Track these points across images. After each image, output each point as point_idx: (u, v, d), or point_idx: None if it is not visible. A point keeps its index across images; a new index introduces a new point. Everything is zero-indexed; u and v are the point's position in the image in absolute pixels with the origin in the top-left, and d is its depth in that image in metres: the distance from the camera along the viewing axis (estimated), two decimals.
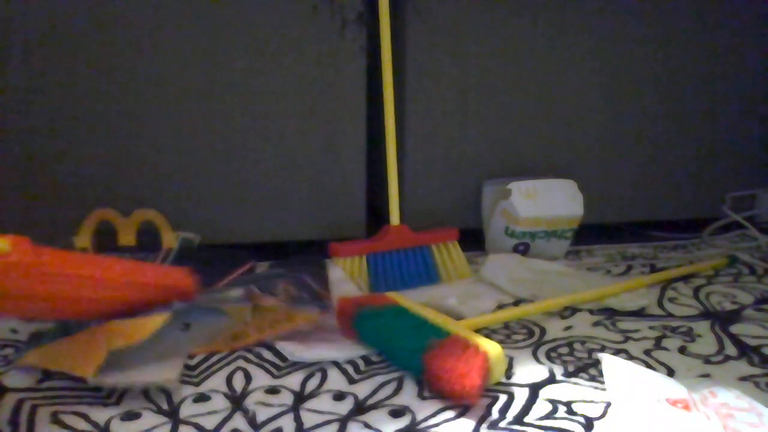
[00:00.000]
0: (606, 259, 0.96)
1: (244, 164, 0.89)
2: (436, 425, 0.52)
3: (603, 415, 0.53)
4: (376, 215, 1.00)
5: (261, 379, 0.59)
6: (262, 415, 0.53)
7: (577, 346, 0.66)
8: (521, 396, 0.56)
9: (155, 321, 0.60)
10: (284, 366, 0.62)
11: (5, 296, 0.53)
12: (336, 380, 0.59)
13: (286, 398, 0.56)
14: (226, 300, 0.69)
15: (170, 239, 0.78)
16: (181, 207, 0.88)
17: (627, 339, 0.68)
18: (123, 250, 0.79)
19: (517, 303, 0.78)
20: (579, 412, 0.53)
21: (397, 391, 0.57)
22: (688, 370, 0.61)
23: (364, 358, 0.63)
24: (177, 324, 0.65)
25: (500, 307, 0.77)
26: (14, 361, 0.61)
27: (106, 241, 0.81)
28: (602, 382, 0.57)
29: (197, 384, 0.58)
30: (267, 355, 0.64)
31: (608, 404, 0.54)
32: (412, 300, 0.68)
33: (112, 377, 0.56)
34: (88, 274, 0.58)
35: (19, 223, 0.82)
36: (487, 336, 0.65)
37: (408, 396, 0.56)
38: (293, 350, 0.63)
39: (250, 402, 0.55)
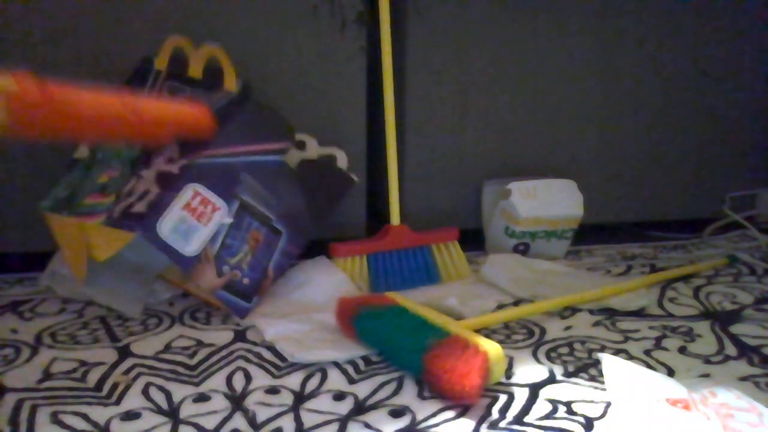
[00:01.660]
0: (606, 259, 0.96)
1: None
2: (436, 425, 0.52)
3: (603, 415, 0.53)
4: (376, 215, 1.00)
5: (261, 379, 0.59)
6: (262, 415, 0.53)
7: (577, 346, 0.66)
8: (521, 396, 0.56)
9: (125, 237, 0.64)
10: (284, 366, 0.62)
11: (17, 130, 0.53)
12: (336, 380, 0.59)
13: (286, 398, 0.56)
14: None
15: (231, 81, 0.75)
16: None
17: (627, 339, 0.68)
18: (185, 82, 0.77)
19: (517, 303, 0.78)
20: (579, 412, 0.53)
21: (397, 391, 0.57)
22: (688, 370, 0.61)
23: (364, 358, 0.63)
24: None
25: (500, 307, 0.77)
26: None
27: (178, 68, 0.80)
28: (602, 382, 0.57)
29: (197, 384, 0.58)
30: (267, 355, 0.64)
31: (608, 404, 0.54)
32: (412, 300, 0.69)
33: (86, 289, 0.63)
34: (94, 111, 0.58)
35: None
36: (487, 336, 0.65)
37: (408, 396, 0.56)
38: (293, 352, 0.63)
39: (250, 402, 0.55)
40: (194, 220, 0.68)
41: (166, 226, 0.67)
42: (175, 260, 0.67)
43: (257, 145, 0.74)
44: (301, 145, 0.85)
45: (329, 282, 0.79)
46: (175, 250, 0.67)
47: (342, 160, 0.86)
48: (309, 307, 0.75)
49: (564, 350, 0.65)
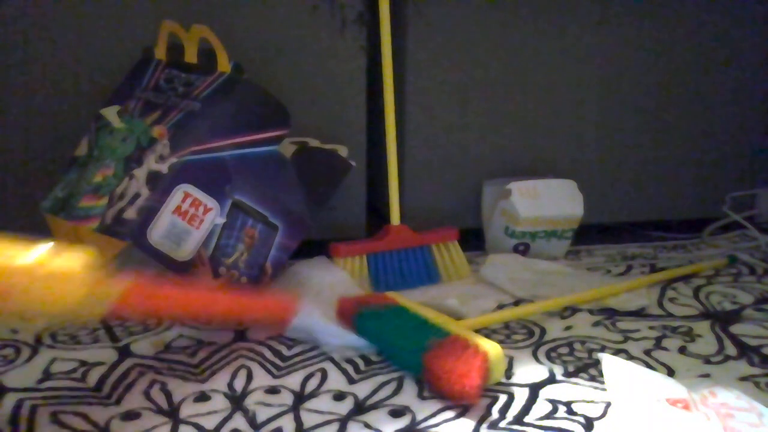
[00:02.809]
0: (606, 259, 0.96)
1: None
2: (436, 425, 0.52)
3: (603, 415, 0.53)
4: (376, 215, 1.00)
5: (261, 379, 0.59)
6: (262, 415, 0.53)
7: (577, 346, 0.66)
8: (521, 396, 0.56)
9: (117, 244, 0.68)
10: (284, 366, 0.62)
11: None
12: (336, 380, 0.59)
13: (286, 398, 0.56)
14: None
15: (224, 62, 0.74)
16: None
17: (627, 339, 0.68)
18: (183, 68, 0.76)
19: (517, 303, 0.78)
20: (579, 412, 0.53)
21: (397, 391, 0.57)
22: (688, 370, 0.61)
23: (364, 357, 0.63)
24: None
25: (500, 307, 0.77)
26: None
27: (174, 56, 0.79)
28: (602, 382, 0.57)
29: (198, 383, 0.58)
30: (268, 354, 0.64)
31: (608, 404, 0.54)
32: (412, 300, 0.69)
33: None
34: (179, 308, 0.62)
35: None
36: (487, 336, 0.65)
37: (408, 396, 0.56)
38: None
39: (250, 402, 0.55)
40: (186, 224, 0.68)
41: (157, 233, 0.66)
42: (168, 267, 0.67)
43: (250, 135, 0.72)
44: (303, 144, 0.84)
45: (331, 279, 0.78)
46: (167, 257, 0.67)
47: (343, 152, 0.84)
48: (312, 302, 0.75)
49: (564, 350, 0.65)
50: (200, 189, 0.68)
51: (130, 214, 0.66)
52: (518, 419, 0.52)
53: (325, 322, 0.66)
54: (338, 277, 0.78)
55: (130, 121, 0.73)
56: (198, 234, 0.68)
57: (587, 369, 0.61)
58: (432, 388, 0.57)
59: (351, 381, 0.59)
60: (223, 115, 0.70)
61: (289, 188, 0.76)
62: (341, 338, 0.64)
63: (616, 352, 0.64)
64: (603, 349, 0.65)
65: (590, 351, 0.65)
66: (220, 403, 0.55)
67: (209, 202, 0.69)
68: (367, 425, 0.52)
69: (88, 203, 0.69)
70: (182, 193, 0.67)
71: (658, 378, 0.55)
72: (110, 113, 0.75)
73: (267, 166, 0.73)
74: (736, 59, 1.04)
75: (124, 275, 0.54)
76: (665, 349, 0.66)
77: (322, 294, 0.76)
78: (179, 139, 0.68)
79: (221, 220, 0.70)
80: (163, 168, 0.67)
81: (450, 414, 0.53)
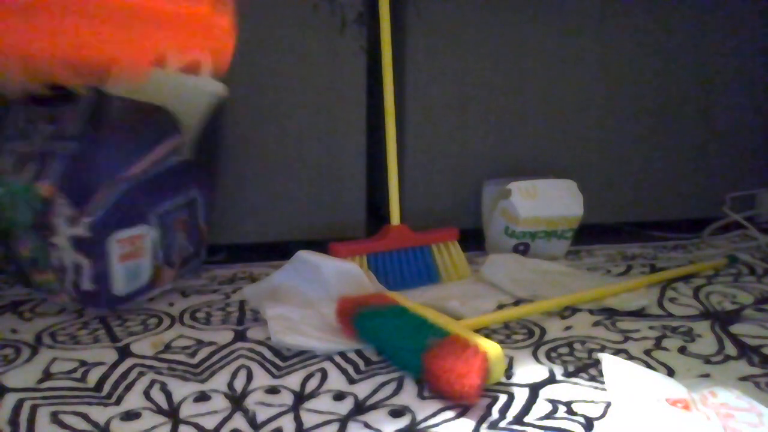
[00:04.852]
0: (606, 259, 0.96)
1: (244, 165, 0.89)
2: (436, 425, 0.52)
3: (603, 415, 0.53)
4: (376, 215, 1.00)
5: (261, 379, 0.59)
6: (262, 415, 0.53)
7: (577, 346, 0.66)
8: (521, 396, 0.56)
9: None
10: (284, 366, 0.62)
11: None
12: (336, 380, 0.59)
13: (286, 398, 0.56)
14: None
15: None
16: None
17: (627, 339, 0.68)
18: (40, 102, 0.67)
19: (517, 303, 0.78)
20: (579, 412, 0.53)
21: (397, 391, 0.57)
22: (688, 370, 0.61)
23: (364, 357, 0.63)
24: None
25: (500, 307, 0.77)
26: None
27: None
28: (602, 382, 0.57)
29: (198, 383, 0.58)
30: (268, 354, 0.64)
31: (608, 404, 0.54)
32: (413, 300, 0.69)
33: None
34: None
35: None
36: (487, 336, 0.65)
37: (408, 396, 0.56)
38: (277, 332, 0.65)
39: (250, 402, 0.55)
40: (134, 261, 0.69)
41: (120, 286, 0.68)
42: (143, 291, 0.71)
43: (148, 158, 0.69)
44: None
45: (341, 267, 0.78)
46: (139, 292, 0.70)
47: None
48: (318, 298, 0.76)
49: (564, 350, 0.65)
50: (128, 228, 0.67)
51: (87, 285, 0.66)
52: (518, 419, 0.52)
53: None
54: (348, 266, 0.78)
55: (7, 183, 0.66)
56: (148, 258, 0.70)
57: (587, 369, 0.61)
58: (432, 388, 0.57)
59: (351, 381, 0.59)
60: (113, 147, 0.66)
61: (190, 165, 0.74)
62: (326, 344, 0.65)
63: (616, 352, 0.64)
64: (603, 349, 0.65)
65: (590, 351, 0.65)
66: (220, 403, 0.55)
67: (141, 230, 0.69)
68: (367, 425, 0.52)
69: (43, 278, 0.68)
70: (116, 244, 0.67)
71: (658, 378, 0.55)
72: None
73: (174, 172, 0.72)
74: (736, 60, 1.04)
75: None
76: (665, 349, 0.66)
77: (330, 283, 0.76)
78: (74, 191, 0.64)
79: (156, 234, 0.70)
80: (83, 231, 0.64)
81: (450, 414, 0.53)
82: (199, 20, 0.52)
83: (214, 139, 0.79)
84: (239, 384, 0.58)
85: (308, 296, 0.76)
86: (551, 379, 0.59)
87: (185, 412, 0.53)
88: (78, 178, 0.64)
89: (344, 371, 0.61)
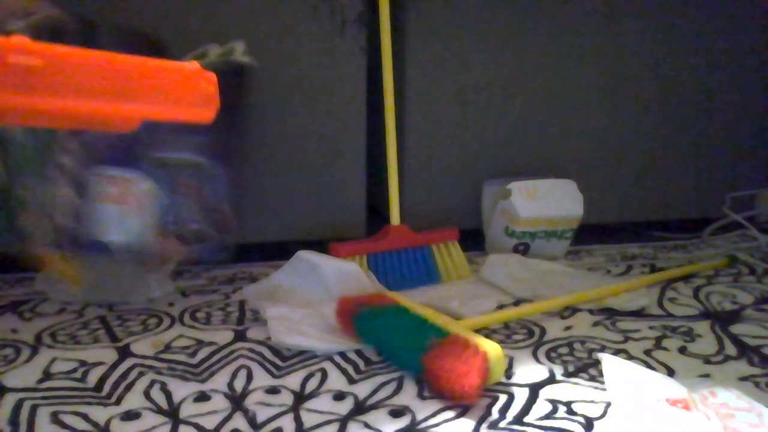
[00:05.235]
0: (606, 259, 0.96)
1: (244, 164, 0.89)
2: (436, 425, 0.52)
3: (603, 415, 0.53)
4: (376, 215, 1.00)
5: (261, 379, 0.59)
6: (262, 415, 0.53)
7: (577, 346, 0.66)
8: (521, 396, 0.56)
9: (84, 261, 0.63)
10: (284, 366, 0.62)
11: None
12: (336, 380, 0.59)
13: (286, 398, 0.56)
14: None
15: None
16: None
17: (627, 339, 0.68)
18: None
19: (517, 303, 0.78)
20: (579, 412, 0.53)
21: (397, 391, 0.57)
22: (688, 370, 0.61)
23: (364, 357, 0.63)
24: None
25: (500, 307, 0.77)
26: None
27: None
28: (602, 382, 0.57)
29: (198, 383, 0.58)
30: (268, 354, 0.64)
31: (608, 404, 0.54)
32: (413, 300, 0.69)
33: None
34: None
35: None
36: (487, 336, 0.65)
37: (408, 396, 0.56)
38: (276, 331, 0.65)
39: (250, 402, 0.55)
40: (119, 208, 0.64)
41: (101, 230, 0.63)
42: (144, 255, 0.66)
43: None
44: (204, 55, 0.76)
45: (341, 268, 0.78)
46: (132, 248, 0.64)
47: (239, 50, 0.77)
48: (318, 298, 0.76)
49: (564, 350, 0.65)
50: (113, 168, 0.63)
51: (68, 225, 0.62)
52: (518, 419, 0.52)
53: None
54: (348, 266, 0.78)
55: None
56: (138, 212, 0.64)
57: (587, 369, 0.61)
58: (432, 388, 0.57)
59: (351, 381, 0.59)
60: None
61: (214, 134, 0.69)
62: (326, 344, 0.65)
63: (616, 352, 0.64)
64: (603, 349, 0.65)
65: (590, 351, 0.65)
66: (220, 403, 0.55)
67: (130, 176, 0.64)
68: (367, 425, 0.52)
69: (24, 219, 0.65)
70: (96, 180, 0.62)
71: (658, 378, 0.55)
72: None
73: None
74: (736, 59, 1.04)
75: None
76: (665, 349, 0.66)
77: (330, 283, 0.76)
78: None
79: (153, 188, 0.65)
80: (67, 164, 0.62)
81: (450, 414, 0.53)
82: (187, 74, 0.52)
83: (232, 105, 0.71)
84: (239, 384, 0.58)
85: (308, 296, 0.76)
86: (551, 379, 0.59)
87: (185, 412, 0.53)
88: None
89: (344, 371, 0.61)
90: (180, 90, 0.51)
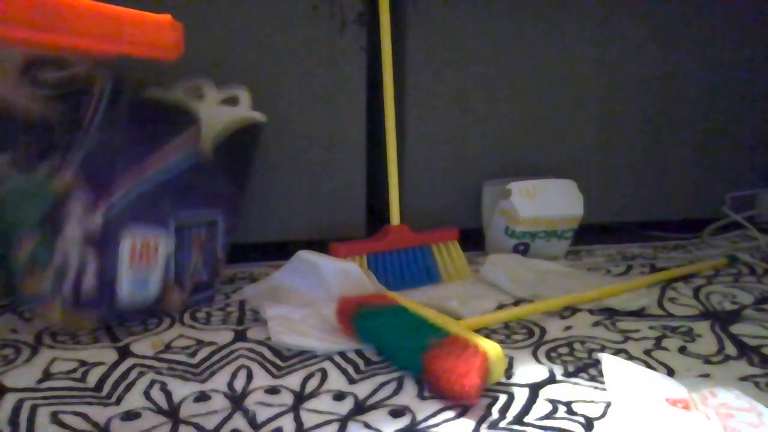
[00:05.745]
0: (606, 259, 0.96)
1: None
2: (436, 425, 0.52)
3: (603, 415, 0.53)
4: (376, 215, 1.00)
5: (261, 379, 0.59)
6: (262, 415, 0.53)
7: (577, 346, 0.66)
8: (521, 396, 0.56)
9: (91, 317, 0.65)
10: (284, 366, 0.62)
11: None
12: (336, 380, 0.59)
13: (286, 398, 0.56)
14: None
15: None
16: None
17: (627, 339, 0.68)
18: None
19: (517, 303, 0.78)
20: (579, 412, 0.53)
21: (397, 391, 0.57)
22: (688, 370, 0.61)
23: (364, 357, 0.63)
24: None
25: (500, 307, 0.77)
26: None
27: None
28: (602, 382, 0.57)
29: (198, 383, 0.58)
30: (268, 354, 0.64)
31: (608, 404, 0.54)
32: (413, 300, 0.69)
33: None
34: None
35: None
36: (487, 336, 0.65)
37: (408, 396, 0.56)
38: (277, 332, 0.65)
39: (250, 402, 0.55)
40: (145, 269, 0.64)
41: (125, 293, 0.64)
42: (146, 309, 0.67)
43: (164, 147, 0.66)
44: (199, 94, 0.76)
45: (341, 267, 0.78)
46: (142, 305, 0.66)
47: (244, 100, 0.77)
48: (318, 298, 0.76)
49: (564, 350, 0.65)
50: (143, 228, 0.64)
51: (89, 285, 0.61)
52: (518, 419, 0.52)
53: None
54: (348, 266, 0.78)
55: (17, 181, 0.63)
56: (158, 270, 0.66)
57: (587, 369, 0.61)
58: (432, 388, 0.57)
59: (351, 381, 0.59)
60: (129, 138, 0.63)
61: (217, 183, 0.72)
62: (326, 344, 0.65)
63: (616, 352, 0.64)
64: (603, 349, 0.65)
65: (590, 351, 0.65)
66: (220, 403, 0.55)
67: (157, 235, 0.65)
68: (367, 425, 0.52)
69: (34, 283, 0.64)
70: (130, 242, 0.62)
71: (658, 378, 0.55)
72: None
73: (190, 170, 0.68)
74: (736, 59, 1.04)
75: None
76: (665, 349, 0.66)
77: (330, 283, 0.76)
78: (92, 181, 0.61)
79: (172, 247, 0.67)
80: (98, 224, 0.61)
81: (450, 414, 0.53)
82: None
83: (244, 163, 0.77)
84: (239, 384, 0.58)
85: (308, 296, 0.76)
86: (551, 379, 0.59)
87: (185, 412, 0.53)
88: (96, 168, 0.61)
89: (344, 371, 0.61)
90: (152, 35, 0.59)
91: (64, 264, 0.62)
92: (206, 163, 0.71)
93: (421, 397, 0.56)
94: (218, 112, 0.73)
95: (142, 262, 0.65)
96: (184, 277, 0.71)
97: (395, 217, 0.85)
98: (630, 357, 0.64)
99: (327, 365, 0.62)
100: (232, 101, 0.77)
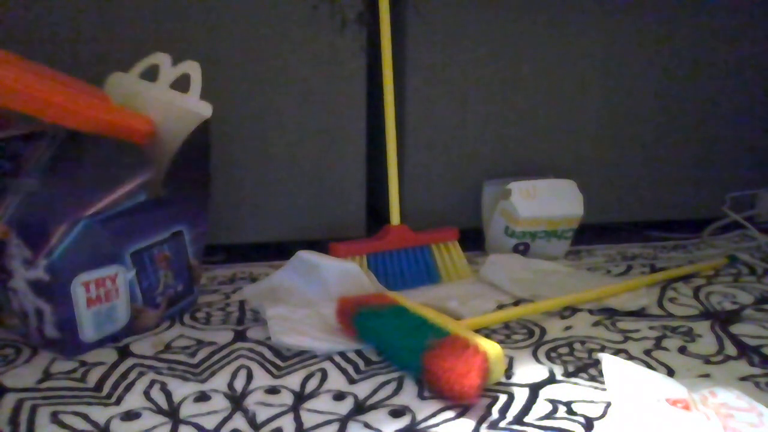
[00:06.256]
0: (606, 259, 0.96)
1: (244, 164, 0.89)
2: (436, 425, 0.52)
3: (603, 415, 0.53)
4: (376, 215, 1.00)
5: (261, 379, 0.59)
6: (262, 415, 0.53)
7: (577, 346, 0.66)
8: (521, 396, 0.56)
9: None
10: (284, 366, 0.62)
11: None
12: (336, 380, 0.59)
13: (286, 398, 0.56)
14: None
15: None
16: None
17: (627, 339, 0.68)
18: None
19: (517, 303, 0.78)
20: (579, 412, 0.53)
21: (397, 391, 0.57)
22: (688, 370, 0.61)
23: (364, 357, 0.63)
24: None
25: (500, 307, 0.77)
26: None
27: None
28: (602, 382, 0.57)
29: (198, 383, 0.58)
30: (268, 354, 0.64)
31: (608, 404, 0.54)
32: (413, 300, 0.69)
33: None
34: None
35: None
36: (487, 336, 0.65)
37: (408, 396, 0.56)
38: (276, 331, 0.65)
39: (250, 402, 0.55)
40: (107, 304, 0.63)
41: (89, 333, 0.62)
42: (119, 334, 0.66)
43: (112, 196, 0.62)
44: (155, 72, 0.73)
45: (341, 270, 0.78)
46: (112, 336, 0.65)
47: (196, 80, 0.70)
48: (318, 298, 0.76)
49: (564, 350, 0.65)
50: (94, 269, 0.61)
51: (51, 332, 0.61)
52: (518, 419, 0.52)
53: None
54: (348, 266, 0.78)
55: None
56: (122, 300, 0.65)
57: (587, 369, 0.61)
58: (432, 388, 0.57)
59: (351, 381, 0.59)
60: (69, 185, 0.60)
61: (172, 197, 0.69)
62: (326, 344, 0.65)
63: (616, 352, 0.64)
64: (603, 349, 0.65)
65: (590, 351, 0.65)
66: (220, 403, 0.55)
67: (111, 270, 0.63)
68: (367, 425, 0.52)
69: (10, 322, 0.65)
70: (81, 287, 0.60)
71: (658, 378, 0.55)
72: None
73: (144, 207, 0.66)
74: (736, 59, 1.04)
75: None
76: (665, 349, 0.66)
77: (330, 283, 0.76)
78: (29, 230, 0.58)
79: (132, 274, 0.65)
80: (42, 274, 0.58)
81: (450, 414, 0.53)
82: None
83: (201, 169, 0.73)
84: (239, 384, 0.58)
85: (308, 296, 0.76)
86: (551, 379, 0.59)
87: (185, 412, 0.53)
88: (33, 216, 0.58)
89: (344, 371, 0.61)
90: (126, 133, 0.66)
91: (21, 310, 0.62)
92: (160, 197, 0.67)
93: (421, 397, 0.56)
94: (174, 103, 0.69)
95: (101, 299, 0.62)
96: (155, 296, 0.68)
97: (395, 217, 0.85)
98: (630, 357, 0.64)
99: (327, 365, 0.62)
100: (184, 81, 0.71)
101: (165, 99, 0.70)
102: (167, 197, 0.68)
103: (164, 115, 0.69)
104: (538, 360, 0.63)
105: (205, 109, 0.69)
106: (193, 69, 0.70)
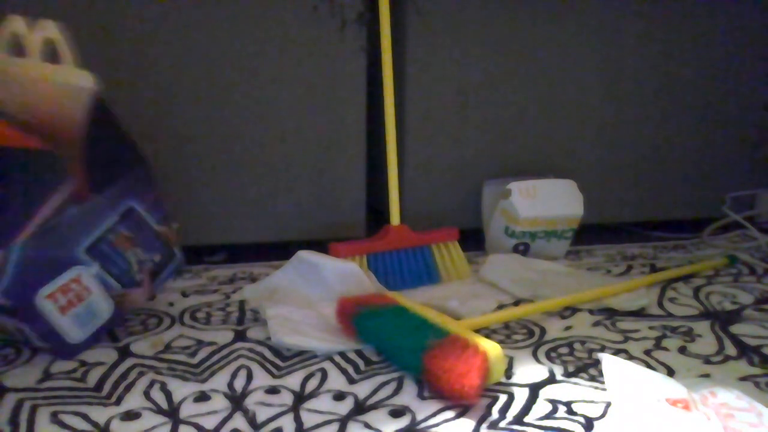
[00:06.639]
0: (606, 259, 0.96)
1: (244, 164, 0.89)
2: (436, 425, 0.52)
3: (603, 415, 0.53)
4: (376, 215, 1.00)
5: (261, 379, 0.59)
6: (262, 415, 0.53)
7: (577, 346, 0.66)
8: (521, 396, 0.56)
9: None
10: (284, 366, 0.62)
11: None
12: (336, 380, 0.59)
13: (286, 398, 0.56)
14: None
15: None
16: (181, 207, 0.88)
17: (627, 339, 0.68)
18: None
19: (517, 303, 0.78)
20: (579, 412, 0.53)
21: (397, 391, 0.57)
22: (688, 370, 0.61)
23: (364, 357, 0.63)
24: None
25: (500, 307, 0.77)
26: None
27: None
28: (602, 382, 0.57)
29: (198, 383, 0.58)
30: (268, 354, 0.64)
31: (608, 404, 0.54)
32: (413, 300, 0.69)
33: None
34: None
35: None
36: (487, 336, 0.65)
37: (408, 396, 0.56)
38: (277, 332, 0.65)
39: (250, 402, 0.55)
40: (81, 304, 0.62)
41: (76, 336, 0.62)
42: (112, 321, 0.66)
43: (41, 214, 0.59)
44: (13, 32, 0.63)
45: (342, 268, 0.78)
46: (103, 323, 0.65)
47: (61, 42, 0.62)
48: (318, 298, 0.76)
49: (564, 350, 0.65)
50: (53, 279, 0.60)
51: (39, 344, 0.61)
52: (518, 419, 0.52)
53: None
54: (348, 266, 0.78)
55: None
56: (97, 294, 0.63)
57: (587, 369, 0.61)
58: (432, 388, 0.57)
59: (351, 381, 0.59)
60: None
61: (104, 184, 0.65)
62: (326, 344, 0.65)
63: (616, 352, 0.64)
64: (603, 349, 0.65)
65: (590, 351, 0.65)
66: (220, 403, 0.55)
67: (72, 273, 0.61)
68: (367, 425, 0.52)
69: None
70: (48, 299, 0.59)
71: (658, 378, 0.55)
72: None
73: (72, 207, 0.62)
74: (736, 59, 1.04)
75: None
76: (665, 349, 0.66)
77: (330, 283, 0.76)
78: None
79: (95, 268, 0.63)
80: (4, 300, 0.57)
81: (450, 414, 0.53)
82: None
83: (120, 145, 0.67)
84: (239, 384, 0.58)
85: (308, 296, 0.76)
86: (551, 379, 0.59)
87: (185, 412, 0.53)
88: None
89: (344, 371, 0.61)
90: None
91: (7, 328, 0.62)
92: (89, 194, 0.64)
93: (421, 397, 0.56)
94: (52, 79, 0.61)
95: (73, 303, 0.61)
96: (132, 277, 0.67)
97: (395, 217, 0.85)
98: (630, 357, 0.64)
99: (327, 365, 0.62)
100: (51, 49, 0.62)
101: (34, 76, 0.60)
102: (99, 174, 0.64)
103: (41, 97, 0.60)
104: (538, 360, 0.63)
105: (85, 80, 0.60)
106: (50, 30, 0.60)
